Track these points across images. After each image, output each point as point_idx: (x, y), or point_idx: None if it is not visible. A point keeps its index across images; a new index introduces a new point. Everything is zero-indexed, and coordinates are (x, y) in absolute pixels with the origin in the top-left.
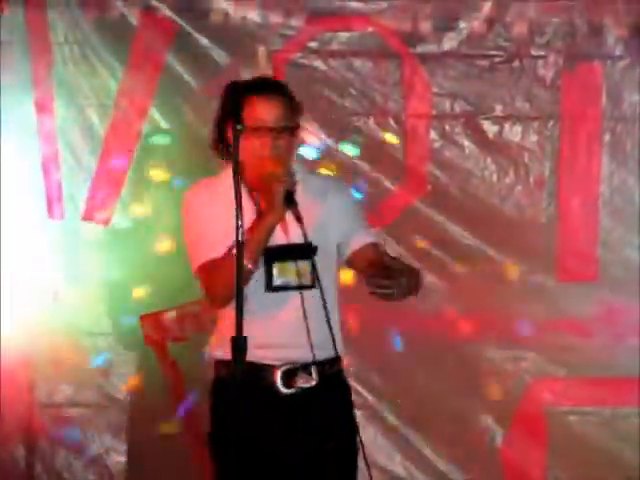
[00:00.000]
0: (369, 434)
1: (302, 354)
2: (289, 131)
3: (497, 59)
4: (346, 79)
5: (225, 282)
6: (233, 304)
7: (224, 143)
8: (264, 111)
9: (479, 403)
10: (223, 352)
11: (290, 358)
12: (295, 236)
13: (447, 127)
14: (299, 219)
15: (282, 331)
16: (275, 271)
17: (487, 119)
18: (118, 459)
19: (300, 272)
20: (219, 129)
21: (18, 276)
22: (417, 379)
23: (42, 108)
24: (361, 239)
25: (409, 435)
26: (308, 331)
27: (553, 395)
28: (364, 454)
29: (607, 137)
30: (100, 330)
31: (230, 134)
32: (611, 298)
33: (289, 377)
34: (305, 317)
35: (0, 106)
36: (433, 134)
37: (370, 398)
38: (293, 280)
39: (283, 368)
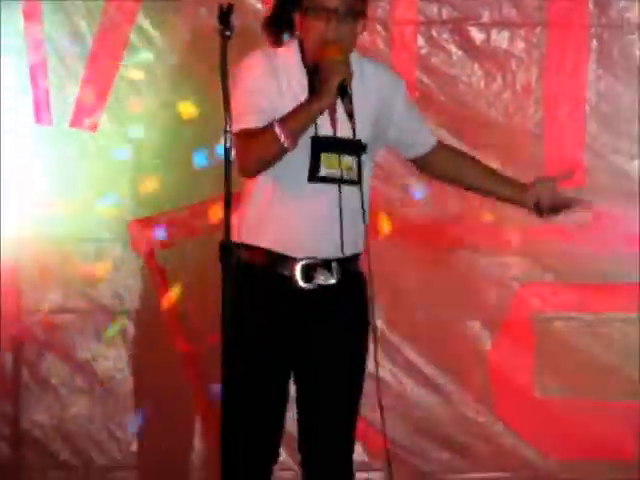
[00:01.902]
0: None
1: (327, 250)
2: (354, 16)
3: None
4: None
5: (259, 154)
6: (271, 197)
7: (286, 28)
8: None
9: (467, 309)
10: (249, 237)
11: (313, 252)
12: (344, 129)
13: (434, 33)
14: (350, 115)
15: (314, 224)
16: (322, 161)
17: (474, 25)
18: (106, 365)
19: (347, 166)
20: (282, 14)
21: (5, 182)
22: (405, 286)
23: (30, 15)
24: (427, 141)
25: (396, 341)
26: (341, 227)
27: (540, 301)
28: (377, 364)
29: (594, 44)
30: (88, 237)
31: (297, 19)
32: (598, 204)
33: (309, 272)
34: (341, 213)
35: None
36: (420, 40)
37: None
38: (339, 173)
39: (303, 262)
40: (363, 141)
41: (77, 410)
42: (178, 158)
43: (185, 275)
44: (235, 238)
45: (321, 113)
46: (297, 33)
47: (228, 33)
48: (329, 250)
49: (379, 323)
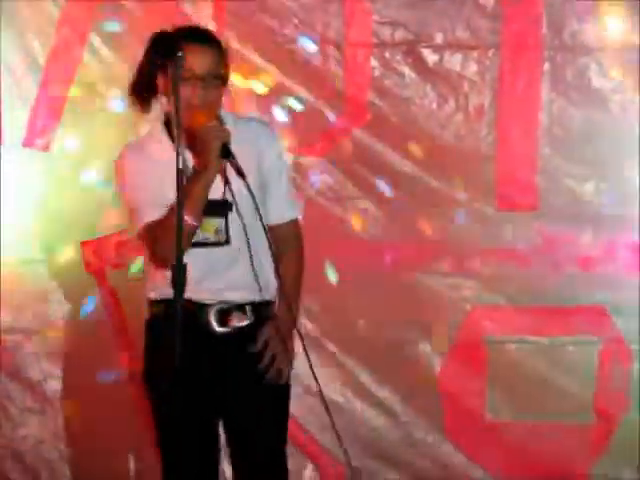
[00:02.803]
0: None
1: (235, 296)
2: (219, 80)
3: None
4: (288, 7)
5: (170, 242)
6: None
7: (152, 92)
8: (195, 60)
9: (418, 331)
10: (155, 293)
11: (224, 298)
12: (215, 190)
13: (387, 55)
14: (240, 173)
15: (212, 279)
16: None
17: (427, 47)
18: (56, 386)
19: (216, 228)
20: (146, 79)
21: None
22: (355, 307)
23: None
24: (283, 212)
25: (347, 363)
26: (242, 274)
27: (492, 323)
28: (320, 391)
29: (547, 66)
30: (39, 257)
31: (161, 82)
32: (550, 227)
33: (223, 316)
34: (237, 262)
35: None
36: (373, 62)
37: (309, 326)
38: (211, 236)
39: (217, 307)
40: (250, 194)
41: (27, 430)
42: None
43: (135, 295)
44: (146, 296)
45: (212, 180)
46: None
47: (180, 54)
48: (234, 296)
49: (331, 346)
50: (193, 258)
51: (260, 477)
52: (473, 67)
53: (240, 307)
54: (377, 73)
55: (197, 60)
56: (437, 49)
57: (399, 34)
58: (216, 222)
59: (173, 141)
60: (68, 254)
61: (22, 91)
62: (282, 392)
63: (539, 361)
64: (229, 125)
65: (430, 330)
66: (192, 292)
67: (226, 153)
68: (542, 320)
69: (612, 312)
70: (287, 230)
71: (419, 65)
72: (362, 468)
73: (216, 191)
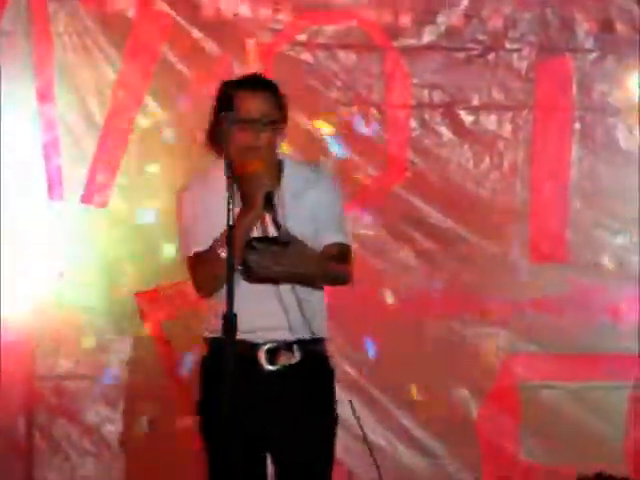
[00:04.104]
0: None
1: (283, 335)
2: (272, 125)
3: (474, 52)
4: (331, 71)
5: (209, 275)
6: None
7: (217, 138)
8: (250, 105)
9: (456, 378)
10: (208, 331)
11: (273, 338)
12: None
13: (426, 116)
14: (277, 224)
15: (262, 315)
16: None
17: (464, 109)
18: (112, 428)
19: None
20: (213, 125)
21: (21, 254)
22: (397, 355)
23: (43, 96)
24: (330, 236)
25: (390, 408)
26: (286, 314)
27: (526, 370)
28: (364, 436)
29: (577, 126)
30: (98, 307)
31: (222, 127)
32: (580, 278)
33: (272, 355)
34: (281, 303)
35: (2, 94)
36: (413, 123)
37: (352, 372)
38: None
39: (267, 346)
40: (298, 233)
41: (85, 472)
42: None
43: (189, 346)
44: (202, 334)
45: (252, 225)
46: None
47: (231, 112)
48: (282, 335)
49: (374, 392)
50: (242, 297)
51: None
52: (507, 127)
53: (288, 345)
54: (416, 133)
55: (248, 105)
56: (473, 110)
57: (437, 96)
58: None
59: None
60: (126, 304)
61: (81, 150)
62: (329, 429)
63: (571, 406)
64: (287, 169)
65: (467, 377)
66: (243, 332)
67: (268, 202)
68: (573, 367)
69: None
70: (334, 249)
71: (456, 125)
72: None
73: (265, 229)
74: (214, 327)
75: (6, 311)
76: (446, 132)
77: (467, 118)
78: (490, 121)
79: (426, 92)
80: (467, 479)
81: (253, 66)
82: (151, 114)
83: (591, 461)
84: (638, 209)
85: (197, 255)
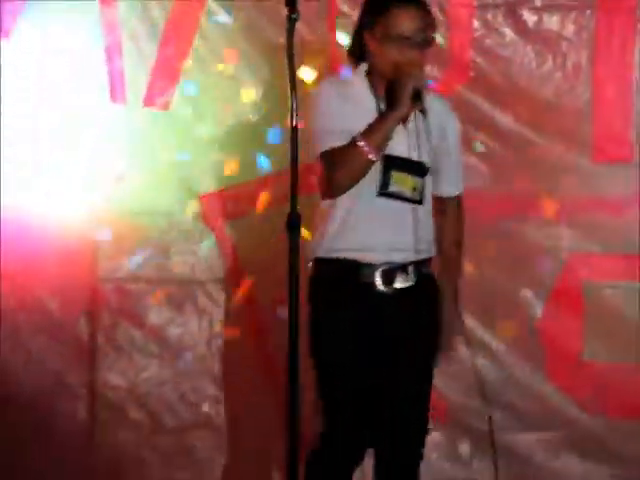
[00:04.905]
0: None
1: (402, 256)
2: (425, 42)
3: None
4: None
5: (347, 170)
6: (342, 208)
7: (361, 49)
8: (402, 20)
9: (519, 278)
10: (324, 251)
11: (390, 259)
12: (413, 153)
13: (489, 16)
14: (424, 112)
15: (387, 235)
16: (392, 179)
17: (527, 9)
18: (177, 331)
19: (413, 186)
20: (358, 36)
21: (84, 157)
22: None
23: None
24: (451, 188)
25: None
26: (414, 235)
27: (589, 270)
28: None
29: None
30: (162, 210)
31: (368, 39)
32: None
33: (388, 276)
34: (413, 223)
35: None
36: (475, 23)
37: None
38: (407, 192)
39: (383, 267)
40: (428, 162)
41: (149, 374)
42: (249, 135)
43: (253, 247)
44: (314, 255)
45: (399, 121)
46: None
47: (295, 16)
48: (401, 256)
49: None
50: (378, 210)
51: (406, 427)
52: (570, 27)
53: (403, 267)
54: (479, 33)
55: (405, 21)
56: (536, 10)
57: None
58: (416, 180)
59: (373, 90)
60: (189, 208)
61: (143, 55)
62: (432, 354)
63: (633, 305)
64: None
65: (531, 278)
66: (358, 254)
67: (417, 97)
68: (635, 266)
69: None
70: (452, 204)
71: (519, 25)
72: (466, 407)
73: (409, 152)
74: (331, 245)
75: (68, 214)
76: (509, 32)
77: (530, 18)
78: (553, 21)
79: None
80: (533, 381)
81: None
82: (215, 18)
83: None
84: None
85: (335, 150)
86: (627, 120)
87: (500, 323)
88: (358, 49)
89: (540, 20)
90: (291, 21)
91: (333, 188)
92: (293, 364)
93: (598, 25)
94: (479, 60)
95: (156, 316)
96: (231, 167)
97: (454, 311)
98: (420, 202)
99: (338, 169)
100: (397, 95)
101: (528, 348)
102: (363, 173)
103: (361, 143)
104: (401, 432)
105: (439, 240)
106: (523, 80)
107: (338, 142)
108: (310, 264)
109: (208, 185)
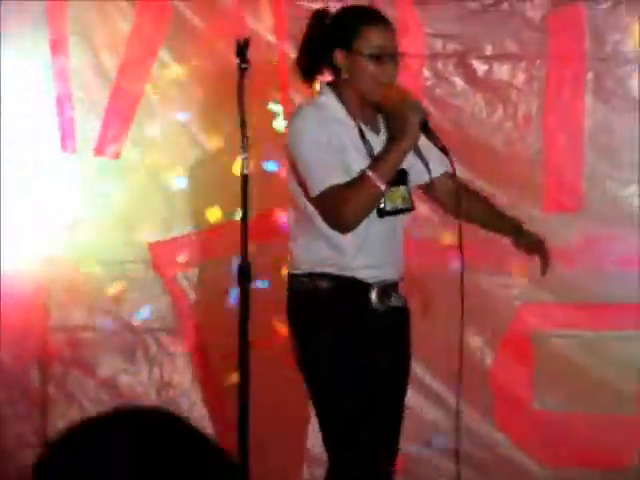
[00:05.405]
0: None
1: (391, 273)
2: (399, 58)
3: (488, 1)
4: None
5: (359, 205)
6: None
7: (324, 67)
8: (383, 37)
9: (471, 326)
10: (313, 266)
11: (384, 277)
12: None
13: (439, 66)
14: (443, 149)
15: (383, 252)
16: (384, 198)
17: (478, 58)
18: (128, 380)
19: (403, 196)
20: (325, 50)
21: (35, 206)
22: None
23: (56, 48)
24: (436, 165)
25: None
26: (398, 251)
27: (539, 319)
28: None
29: (591, 76)
30: (113, 259)
31: (340, 56)
32: (593, 228)
33: (383, 295)
34: (397, 238)
35: (16, 46)
36: (426, 72)
37: None
38: (400, 204)
39: (379, 285)
40: (406, 169)
41: None
42: (201, 184)
43: (205, 295)
44: (302, 268)
45: (408, 151)
46: (332, 76)
47: (245, 66)
48: (390, 273)
49: None
50: (374, 230)
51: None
52: (521, 76)
53: (394, 285)
54: (429, 82)
55: (385, 38)
56: (486, 60)
57: (450, 46)
58: (402, 190)
59: (347, 109)
60: (140, 256)
61: (94, 104)
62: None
63: (584, 355)
64: None
65: (483, 326)
66: (357, 266)
67: (426, 128)
68: (585, 315)
69: None
70: (447, 182)
71: (469, 75)
72: (418, 456)
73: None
74: (324, 260)
75: (19, 263)
76: (459, 82)
77: (480, 67)
78: (503, 70)
79: (439, 41)
80: (482, 429)
81: (267, 18)
82: (166, 68)
83: (604, 410)
84: None
85: (342, 186)
86: (577, 170)
87: (450, 371)
88: (318, 67)
89: (490, 69)
90: (241, 70)
91: (344, 224)
92: (243, 413)
93: (549, 74)
94: (430, 109)
95: (107, 365)
96: (183, 215)
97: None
98: (413, 208)
99: (349, 205)
100: (404, 129)
101: (478, 396)
102: (375, 206)
103: (373, 177)
104: (378, 452)
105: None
106: (474, 129)
107: (339, 176)
108: (296, 276)
109: (160, 233)
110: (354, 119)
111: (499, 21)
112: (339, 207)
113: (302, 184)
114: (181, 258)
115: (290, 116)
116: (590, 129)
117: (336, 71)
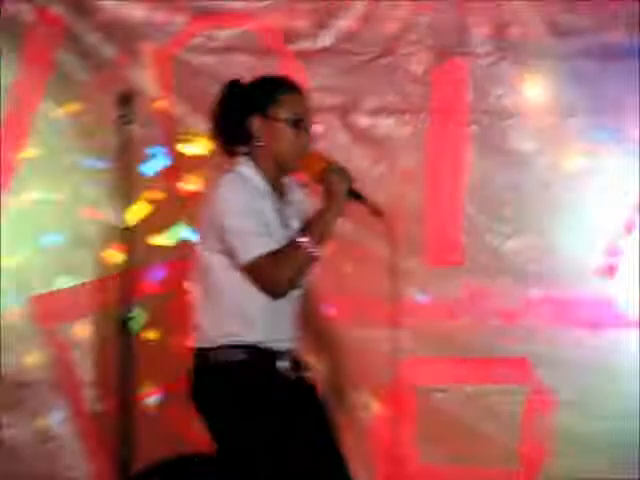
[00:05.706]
0: None
1: (294, 344)
2: (312, 127)
3: (371, 55)
4: (228, 74)
5: (293, 271)
6: (249, 300)
7: (240, 135)
8: (300, 106)
9: (355, 380)
10: (229, 338)
11: (289, 346)
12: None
13: (321, 119)
14: (376, 212)
15: (287, 325)
16: None
17: (360, 112)
18: (10, 433)
19: None
20: (236, 120)
21: None
22: None
23: None
24: None
25: None
26: (295, 324)
27: (423, 373)
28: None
29: (473, 129)
30: None
31: (257, 125)
32: (475, 281)
33: (294, 363)
34: (297, 310)
35: None
36: None
37: None
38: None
39: (290, 354)
40: None
41: None
42: (84, 237)
43: (88, 349)
44: (215, 342)
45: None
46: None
47: (127, 119)
48: (291, 345)
49: None
50: (279, 302)
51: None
52: (404, 130)
53: (298, 355)
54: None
55: (300, 105)
56: (370, 113)
57: (333, 99)
58: None
59: (264, 176)
60: (21, 309)
61: None
62: None
63: (467, 409)
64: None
65: (367, 380)
66: (268, 338)
67: (356, 194)
68: (467, 370)
69: (533, 363)
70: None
71: (352, 129)
72: None
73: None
74: (238, 332)
75: None
76: (342, 136)
77: (363, 121)
78: (386, 124)
79: (322, 96)
80: None
81: (149, 70)
82: (48, 118)
83: (487, 464)
84: (529, 214)
85: (275, 252)
86: (458, 224)
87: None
88: (233, 136)
89: (374, 123)
90: (125, 122)
91: (279, 290)
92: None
93: (431, 128)
94: None
95: None
96: (65, 268)
97: None
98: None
99: (282, 270)
100: (331, 197)
101: (360, 452)
102: (308, 270)
103: (307, 243)
104: None
105: None
106: (356, 184)
107: (270, 243)
108: (207, 349)
109: (41, 286)
110: (271, 188)
111: (382, 75)
112: (274, 274)
113: (229, 251)
114: (63, 312)
115: (213, 186)
116: (471, 182)
117: (251, 140)
